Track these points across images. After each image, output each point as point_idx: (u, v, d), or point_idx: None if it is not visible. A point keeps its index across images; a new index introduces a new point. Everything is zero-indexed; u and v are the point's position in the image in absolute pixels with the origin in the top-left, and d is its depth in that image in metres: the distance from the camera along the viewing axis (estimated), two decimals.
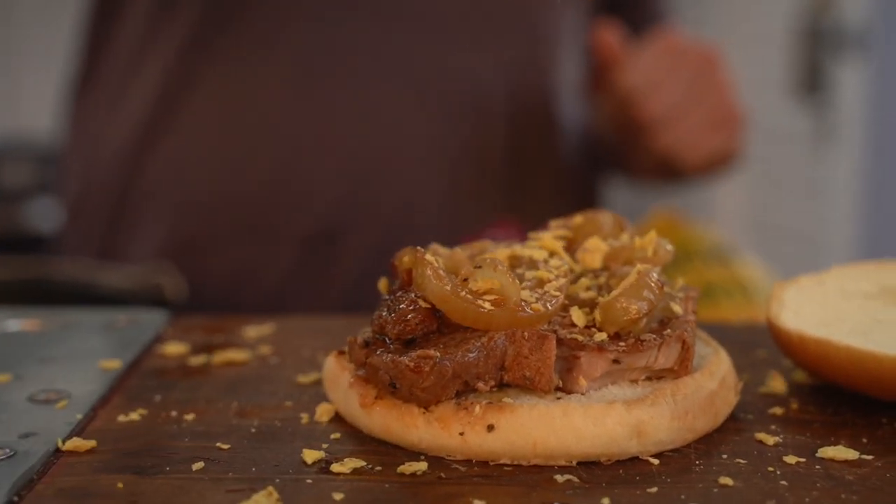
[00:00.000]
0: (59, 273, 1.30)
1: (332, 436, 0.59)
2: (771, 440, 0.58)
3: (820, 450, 0.57)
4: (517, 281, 0.57)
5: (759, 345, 0.76)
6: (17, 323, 0.81)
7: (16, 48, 2.93)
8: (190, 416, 0.62)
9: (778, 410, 0.63)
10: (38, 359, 0.72)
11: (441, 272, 0.58)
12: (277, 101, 1.16)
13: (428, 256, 0.59)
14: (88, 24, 1.25)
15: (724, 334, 0.79)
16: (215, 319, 0.83)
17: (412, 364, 0.55)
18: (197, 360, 0.72)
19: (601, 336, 0.58)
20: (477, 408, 0.55)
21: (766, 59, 3.01)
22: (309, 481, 0.53)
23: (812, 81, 2.94)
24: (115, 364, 0.70)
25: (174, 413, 0.62)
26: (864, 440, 0.59)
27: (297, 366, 0.71)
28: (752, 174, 3.00)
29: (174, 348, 0.74)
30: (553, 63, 1.25)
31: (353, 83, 1.16)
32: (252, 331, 0.79)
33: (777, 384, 0.67)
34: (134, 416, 0.62)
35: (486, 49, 1.20)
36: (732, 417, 0.62)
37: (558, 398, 0.57)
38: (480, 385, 0.56)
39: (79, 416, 0.61)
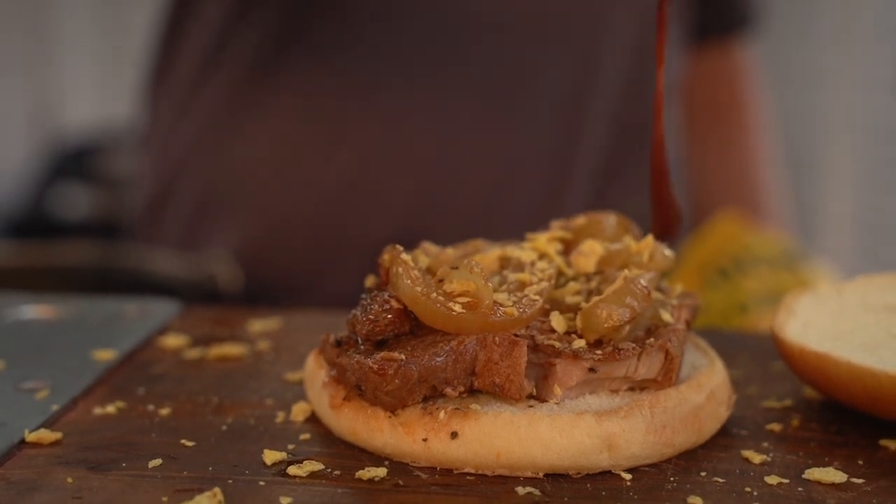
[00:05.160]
0: (113, 260, 1.31)
1: (302, 436, 0.58)
2: (758, 458, 0.55)
3: (807, 471, 0.54)
4: (489, 284, 0.55)
5: (779, 356, 0.72)
6: (33, 310, 0.81)
7: (123, 40, 2.98)
8: (165, 411, 0.61)
9: (776, 427, 0.60)
10: (38, 347, 0.72)
11: (414, 272, 0.56)
12: (349, 107, 1.13)
13: (404, 255, 0.57)
14: (165, 21, 1.25)
15: (747, 343, 0.75)
16: (225, 312, 0.82)
17: (376, 366, 0.53)
18: (192, 353, 0.71)
19: (580, 343, 0.55)
20: (441, 413, 0.53)
21: (876, 56, 2.90)
22: (262, 483, 0.51)
23: None
24: (108, 355, 0.70)
25: (151, 407, 0.61)
26: (861, 462, 0.55)
27: (290, 362, 0.70)
28: (857, 175, 2.90)
29: (173, 340, 0.73)
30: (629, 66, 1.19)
31: (427, 89, 1.12)
32: (257, 324, 0.78)
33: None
34: (111, 408, 0.61)
35: (562, 52, 1.16)
36: (724, 432, 0.59)
37: (530, 406, 0.54)
38: (448, 391, 0.54)
39: (55, 408, 0.60)
